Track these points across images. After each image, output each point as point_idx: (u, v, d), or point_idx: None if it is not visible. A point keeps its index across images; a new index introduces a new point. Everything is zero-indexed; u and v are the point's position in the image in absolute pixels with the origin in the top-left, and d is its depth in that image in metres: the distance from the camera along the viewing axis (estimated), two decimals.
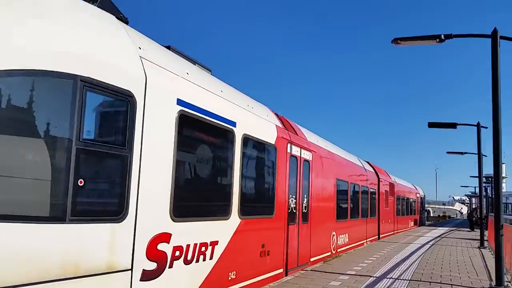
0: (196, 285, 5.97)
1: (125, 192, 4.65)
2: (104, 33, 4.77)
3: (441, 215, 71.29)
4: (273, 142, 8.68)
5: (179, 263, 5.56)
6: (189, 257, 5.77)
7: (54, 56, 3.99)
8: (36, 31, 3.97)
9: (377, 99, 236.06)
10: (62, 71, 4.03)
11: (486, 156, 19.56)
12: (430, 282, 8.88)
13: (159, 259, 5.17)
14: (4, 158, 3.67)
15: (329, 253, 12.54)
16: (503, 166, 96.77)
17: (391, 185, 23.69)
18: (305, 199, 10.55)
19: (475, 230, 29.72)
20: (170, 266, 5.38)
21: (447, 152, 26.20)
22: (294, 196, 9.74)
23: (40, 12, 4.12)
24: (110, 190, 4.71)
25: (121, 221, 4.59)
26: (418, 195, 35.71)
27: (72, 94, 4.10)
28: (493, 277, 8.74)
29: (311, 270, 9.96)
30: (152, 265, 5.04)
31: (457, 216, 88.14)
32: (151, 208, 5.04)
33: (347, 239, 14.74)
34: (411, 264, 11.59)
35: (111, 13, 5.15)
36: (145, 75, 5.01)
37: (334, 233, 13.14)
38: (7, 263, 3.48)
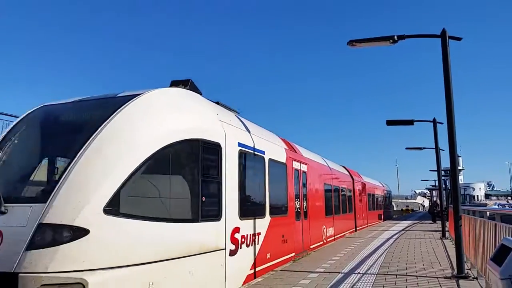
0: (252, 261, 9.06)
1: (220, 203, 7.75)
2: (203, 110, 7.93)
3: (404, 208, 73.37)
4: (284, 161, 11.92)
5: (244, 246, 8.64)
6: (248, 242, 8.84)
7: (188, 130, 7.08)
8: (179, 118, 7.07)
9: (335, 96, 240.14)
10: (196, 138, 7.17)
11: (443, 150, 20.33)
12: (396, 275, 9.15)
13: (235, 243, 8.22)
14: (175, 188, 6.78)
15: (322, 242, 15.54)
16: (460, 159, 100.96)
17: (363, 185, 27.51)
18: (304, 201, 13.52)
19: (437, 222, 30.79)
20: (241, 248, 8.44)
21: (406, 148, 26.85)
22: (298, 199, 12.77)
23: (179, 107, 7.29)
24: (214, 202, 7.63)
25: (219, 220, 7.64)
26: (385, 191, 39.57)
27: (198, 148, 7.21)
28: (455, 266, 9.12)
29: (281, 270, 10.07)
30: (233, 247, 8.08)
31: (419, 209, 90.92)
32: (231, 212, 8.07)
33: (333, 231, 17.81)
34: (378, 258, 11.90)
35: (197, 92, 8.49)
36: (224, 131, 8.15)
37: (324, 226, 16.33)
38: (176, 245, 6.37)
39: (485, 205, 73.23)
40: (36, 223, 5.20)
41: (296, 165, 12.92)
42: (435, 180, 49.64)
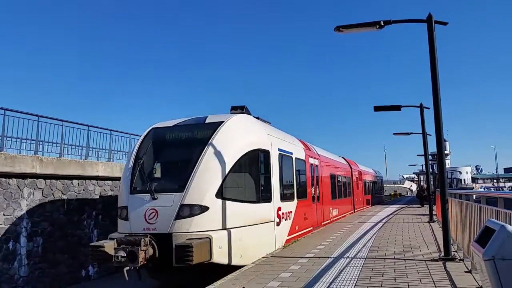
0: (288, 230, 12.62)
1: (271, 191, 11.33)
2: (258, 129, 11.59)
3: (392, 193, 74.08)
4: (304, 158, 15.40)
5: (284, 220, 12.24)
6: (285, 217, 12.42)
7: (253, 143, 10.59)
8: (248, 136, 10.70)
9: (321, 86, 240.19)
10: (256, 148, 10.62)
11: (430, 135, 20.54)
12: (384, 258, 9.29)
13: (279, 217, 11.75)
14: (247, 182, 10.35)
15: (329, 220, 19.07)
16: (447, 143, 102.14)
17: (359, 173, 31.01)
18: (317, 188, 16.98)
19: (424, 206, 31.20)
20: (282, 221, 12.00)
21: (394, 134, 26.96)
22: (313, 187, 16.22)
23: (246, 128, 11.00)
24: (268, 190, 11.20)
25: (270, 202, 11.17)
26: (378, 178, 43.48)
27: (258, 155, 10.65)
28: (442, 249, 9.27)
29: (271, 256, 10.17)
30: (278, 220, 11.64)
31: (407, 194, 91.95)
32: (276, 197, 11.63)
33: (337, 212, 21.23)
34: (366, 242, 12.05)
35: (249, 113, 12.44)
36: (270, 141, 11.69)
37: (331, 208, 19.67)
38: (250, 217, 10.03)
39: (472, 188, 74.28)
40: (179, 204, 9.00)
41: (311, 160, 16.47)
42: (422, 165, 50.23)
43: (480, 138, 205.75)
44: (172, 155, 10.53)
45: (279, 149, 12.38)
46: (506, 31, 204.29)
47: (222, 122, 10.35)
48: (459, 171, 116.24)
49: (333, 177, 20.82)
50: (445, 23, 9.07)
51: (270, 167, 11.44)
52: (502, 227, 2.60)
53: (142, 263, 8.35)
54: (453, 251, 9.21)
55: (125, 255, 8.27)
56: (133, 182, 9.90)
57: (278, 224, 11.64)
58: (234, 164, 9.77)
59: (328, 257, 9.65)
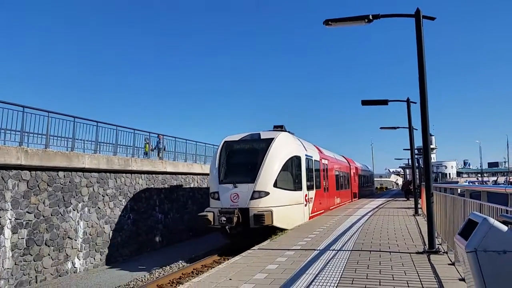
0: (311, 210, 18.21)
1: (301, 183, 17.19)
2: (294, 141, 17.79)
3: (378, 187, 74.82)
4: (318, 159, 20.93)
5: (308, 203, 17.93)
6: (309, 201, 18.04)
7: (292, 152, 16.73)
8: (289, 147, 16.82)
9: (307, 77, 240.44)
10: (294, 155, 16.70)
11: (416, 129, 20.71)
12: (370, 250, 9.39)
13: (306, 201, 17.56)
14: (290, 176, 16.48)
15: (334, 206, 24.39)
16: (433, 138, 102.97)
17: (356, 168, 37.25)
18: (327, 181, 22.69)
19: (409, 199, 31.59)
20: (307, 204, 17.85)
21: (381, 128, 27.01)
22: (324, 180, 21.95)
23: (288, 141, 17.11)
24: (299, 182, 17.06)
25: (301, 190, 17.13)
26: (369, 173, 50.79)
27: (294, 159, 16.74)
28: (427, 242, 9.40)
29: (258, 248, 10.22)
30: (305, 203, 17.45)
31: (393, 187, 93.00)
32: (304, 187, 17.39)
33: (340, 200, 26.82)
34: (352, 234, 12.17)
35: (286, 130, 18.45)
36: (300, 150, 17.75)
37: (335, 196, 25.38)
38: (291, 200, 16.17)
39: (457, 182, 75.31)
40: (252, 190, 14.75)
41: (323, 161, 22.20)
42: (408, 159, 50.64)
43: (466, 134, 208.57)
44: (241, 159, 16.52)
45: (306, 155, 18.30)
46: (491, 20, 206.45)
47: (273, 138, 16.27)
48: (444, 166, 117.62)
49: (337, 173, 26.81)
50: (432, 18, 9.13)
51: (301, 168, 17.32)
52: (484, 220, 2.65)
53: (235, 224, 14.42)
54: (438, 244, 9.34)
55: (225, 219, 14.38)
56: (220, 176, 15.76)
57: (305, 205, 17.56)
58: (282, 166, 15.77)
59: (315, 250, 9.72)
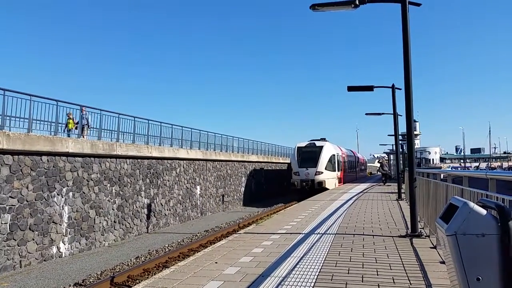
0: (339, 183, 37.25)
1: (336, 168, 36.54)
2: (332, 146, 37.22)
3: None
4: (341, 154, 39.26)
5: (338, 178, 37.57)
6: (338, 178, 37.43)
7: (332, 151, 36.26)
8: (331, 149, 36.37)
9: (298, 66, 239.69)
10: (333, 154, 36.11)
11: (401, 115, 20.89)
12: (354, 234, 9.54)
13: (337, 178, 36.98)
14: (332, 164, 36.70)
15: (347, 181, 40.39)
16: (417, 124, 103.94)
17: (358, 158, 53.92)
18: (343, 167, 39.63)
19: (386, 184, 32.02)
20: (338, 179, 37.26)
21: (366, 114, 27.28)
22: (343, 166, 39.41)
23: (330, 146, 36.80)
24: (336, 168, 36.41)
25: (335, 172, 36.82)
26: (364, 160, 69.71)
27: (333, 156, 36.14)
28: (409, 226, 9.58)
29: (244, 232, 10.29)
30: (338, 178, 37.31)
31: (377, 173, 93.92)
32: (337, 170, 36.82)
33: (349, 178, 42.84)
34: (337, 219, 12.33)
35: (326, 140, 38.89)
36: (334, 150, 36.95)
37: (348, 175, 42.45)
38: (333, 176, 35.81)
39: (440, 168, 76.47)
40: (315, 171, 33.96)
41: (342, 154, 39.46)
42: (392, 145, 51.26)
43: (450, 121, 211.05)
44: (307, 155, 34.63)
45: (336, 153, 36.58)
46: (479, 9, 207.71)
47: (323, 145, 35.29)
48: (428, 151, 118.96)
49: (348, 161, 43.55)
50: (418, 4, 9.14)
51: (335, 160, 35.64)
52: (464, 204, 2.71)
53: (309, 187, 33.29)
54: (420, 228, 9.52)
55: (305, 184, 33.65)
56: (299, 163, 34.46)
57: (337, 179, 36.16)
58: (328, 159, 34.49)
59: (300, 233, 9.84)
